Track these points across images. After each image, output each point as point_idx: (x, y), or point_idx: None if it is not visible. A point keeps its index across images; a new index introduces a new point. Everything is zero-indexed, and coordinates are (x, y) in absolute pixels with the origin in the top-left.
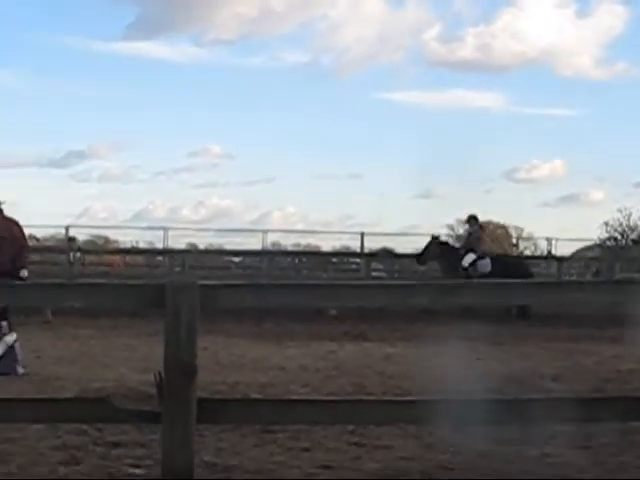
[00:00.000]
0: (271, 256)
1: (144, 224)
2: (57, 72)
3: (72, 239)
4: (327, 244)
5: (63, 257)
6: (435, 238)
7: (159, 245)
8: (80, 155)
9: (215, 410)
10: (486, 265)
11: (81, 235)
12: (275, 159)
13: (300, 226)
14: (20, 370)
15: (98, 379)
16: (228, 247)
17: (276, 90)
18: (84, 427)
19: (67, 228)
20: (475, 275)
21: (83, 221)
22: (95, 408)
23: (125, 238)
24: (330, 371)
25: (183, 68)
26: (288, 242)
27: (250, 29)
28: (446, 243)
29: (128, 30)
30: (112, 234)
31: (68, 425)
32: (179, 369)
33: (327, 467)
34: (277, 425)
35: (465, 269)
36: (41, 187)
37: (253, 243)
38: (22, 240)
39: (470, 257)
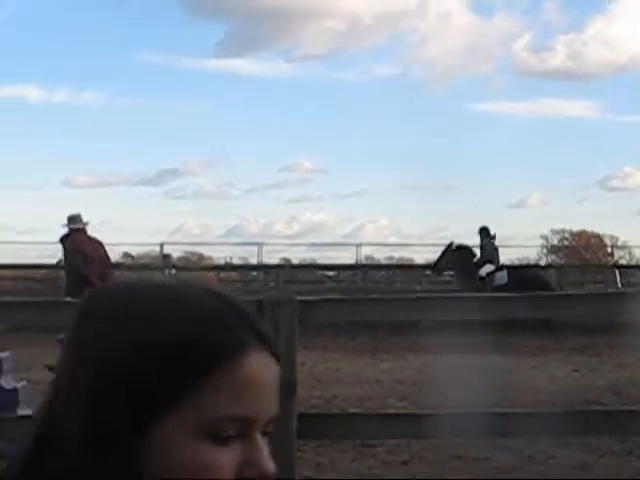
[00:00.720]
0: (365, 269)
1: (238, 240)
2: (148, 91)
3: (167, 256)
4: (420, 256)
5: (158, 274)
6: (450, 245)
7: (253, 261)
8: (173, 173)
9: (314, 425)
10: (503, 277)
11: (175, 252)
12: (367, 172)
13: (393, 239)
14: None
15: None
16: (321, 261)
17: (367, 103)
18: None
19: (162, 245)
20: (491, 286)
21: (177, 238)
22: None
23: (219, 254)
24: (426, 384)
25: (274, 84)
26: (381, 255)
27: (340, 43)
28: (464, 250)
29: (218, 47)
30: (206, 250)
31: None
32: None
33: None
34: (375, 439)
35: (482, 279)
36: (135, 205)
37: (346, 257)
38: (108, 260)
39: (488, 268)
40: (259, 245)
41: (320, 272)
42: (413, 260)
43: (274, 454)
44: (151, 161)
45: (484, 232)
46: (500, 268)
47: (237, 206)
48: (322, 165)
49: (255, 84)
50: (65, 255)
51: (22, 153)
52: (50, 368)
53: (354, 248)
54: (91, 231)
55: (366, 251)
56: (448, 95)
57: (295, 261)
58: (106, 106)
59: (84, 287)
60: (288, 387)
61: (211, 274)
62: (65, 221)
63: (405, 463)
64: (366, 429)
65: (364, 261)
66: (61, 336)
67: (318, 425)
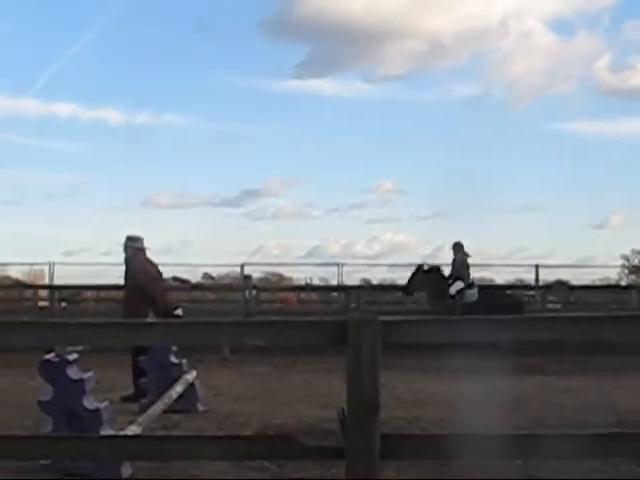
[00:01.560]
0: None
1: (318, 260)
2: (228, 113)
3: (247, 277)
4: (501, 277)
5: (239, 295)
6: (420, 267)
7: (333, 281)
8: (254, 194)
9: (398, 445)
10: (473, 295)
11: (255, 273)
12: (447, 192)
13: (474, 260)
14: (200, 407)
15: (277, 416)
16: (402, 282)
17: (447, 123)
18: (266, 464)
19: (242, 266)
20: (461, 304)
21: (257, 258)
22: (278, 444)
23: (299, 275)
24: (508, 405)
25: (354, 104)
26: None
27: (420, 63)
28: (432, 271)
29: (299, 68)
30: (286, 271)
31: (249, 462)
32: (362, 405)
33: None
34: (458, 459)
35: (452, 297)
36: (216, 226)
37: None
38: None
39: (458, 285)
40: (339, 265)
41: (400, 293)
42: (493, 280)
43: (356, 474)
44: (232, 182)
45: (457, 247)
46: (470, 285)
47: (317, 226)
48: (403, 186)
49: (335, 104)
50: (127, 274)
51: (103, 175)
52: (124, 399)
53: None
54: (172, 252)
55: (446, 272)
56: (529, 115)
57: (375, 282)
58: (187, 128)
59: (149, 306)
60: (371, 408)
61: (291, 295)
62: (125, 241)
63: None
64: (449, 450)
65: None
66: (142, 357)
67: (402, 445)
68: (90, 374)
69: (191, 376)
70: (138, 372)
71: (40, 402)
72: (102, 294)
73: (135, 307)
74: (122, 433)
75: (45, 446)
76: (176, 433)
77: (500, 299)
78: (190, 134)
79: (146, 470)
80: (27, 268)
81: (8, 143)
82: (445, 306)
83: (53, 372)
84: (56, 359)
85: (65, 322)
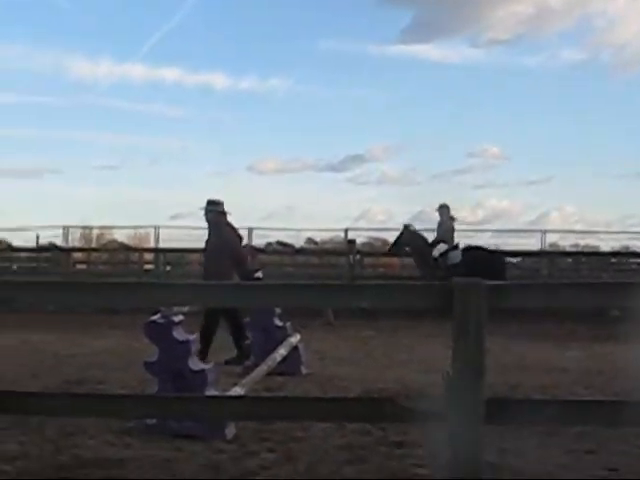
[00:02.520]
0: (550, 257)
1: (421, 226)
2: (333, 77)
3: (351, 242)
4: (606, 244)
5: (342, 260)
6: (407, 227)
7: None
8: (358, 159)
9: (501, 411)
10: (456, 256)
11: (359, 237)
12: (553, 158)
13: (579, 226)
14: (304, 370)
15: (380, 380)
16: (506, 248)
17: (553, 88)
18: (368, 427)
19: (346, 231)
20: (444, 266)
21: (361, 224)
22: (381, 407)
23: None
24: (614, 373)
25: (460, 69)
26: (566, 243)
27: (527, 28)
28: (418, 233)
29: (404, 33)
30: (390, 236)
31: (352, 425)
32: (467, 369)
33: (613, 470)
34: (561, 426)
35: (435, 259)
36: (320, 191)
37: (531, 244)
38: None
39: (441, 247)
40: None
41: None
42: (599, 248)
43: (459, 439)
44: (336, 147)
45: (443, 209)
46: (454, 247)
47: (421, 192)
48: (508, 151)
49: (441, 70)
50: (209, 238)
51: (208, 140)
52: (227, 362)
53: (539, 235)
54: (276, 217)
55: (551, 238)
56: (638, 80)
57: None
58: (291, 93)
59: (232, 269)
60: (476, 371)
61: (395, 260)
62: (206, 205)
63: (591, 452)
64: (552, 416)
65: (549, 248)
66: (247, 319)
67: (505, 411)
68: (195, 335)
69: (295, 339)
70: (239, 335)
71: (146, 363)
72: None
73: (219, 270)
74: (226, 394)
75: (151, 406)
76: (280, 394)
77: (484, 260)
78: (295, 99)
79: (250, 431)
80: (132, 231)
81: (115, 108)
82: (428, 266)
83: (159, 333)
84: (162, 320)
85: (171, 283)
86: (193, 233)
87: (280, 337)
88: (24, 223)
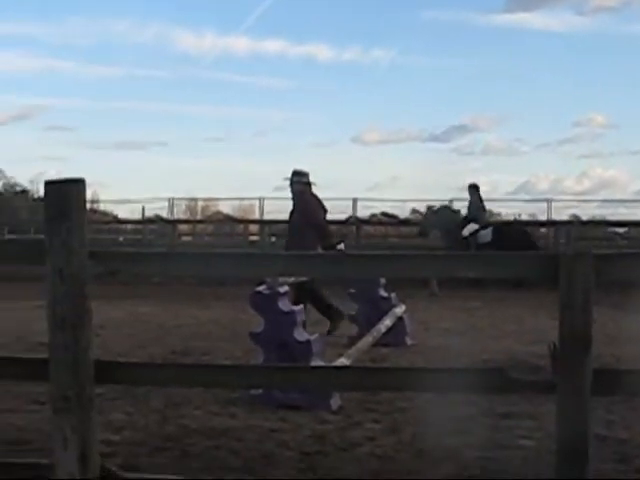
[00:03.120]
0: None
1: (527, 196)
2: (437, 48)
3: (457, 212)
4: None
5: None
6: (429, 208)
7: (542, 217)
8: (463, 129)
9: (609, 382)
10: (486, 235)
11: (464, 209)
12: None
13: None
14: (409, 341)
15: (487, 350)
16: (612, 218)
17: None
18: (474, 398)
19: (450, 201)
20: (475, 244)
21: (466, 194)
22: (488, 379)
23: (508, 210)
24: None
25: (565, 38)
26: None
27: None
28: (444, 210)
29: (509, 2)
30: (495, 207)
31: (457, 396)
32: (575, 339)
33: None
34: None
35: (465, 238)
36: (424, 162)
37: (639, 214)
38: None
39: (472, 227)
40: (548, 201)
41: (610, 229)
42: None
43: (567, 410)
44: (440, 117)
45: (472, 189)
46: (485, 226)
47: (527, 162)
48: (614, 120)
49: (546, 38)
50: (294, 208)
51: (312, 111)
52: (329, 332)
53: None
54: (381, 187)
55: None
56: None
57: (584, 217)
58: (395, 64)
59: (317, 240)
60: (583, 342)
61: None
62: (291, 176)
63: None
64: None
65: None
66: (352, 290)
67: (613, 382)
68: (300, 306)
69: (400, 310)
70: (321, 304)
71: (251, 334)
72: None
73: (303, 242)
74: (332, 365)
75: (256, 376)
76: (385, 365)
77: (514, 238)
78: (398, 69)
79: (355, 402)
80: (237, 203)
81: (219, 81)
82: (458, 245)
83: (264, 304)
84: (267, 291)
85: (276, 254)
86: None
87: (385, 308)
88: (130, 195)
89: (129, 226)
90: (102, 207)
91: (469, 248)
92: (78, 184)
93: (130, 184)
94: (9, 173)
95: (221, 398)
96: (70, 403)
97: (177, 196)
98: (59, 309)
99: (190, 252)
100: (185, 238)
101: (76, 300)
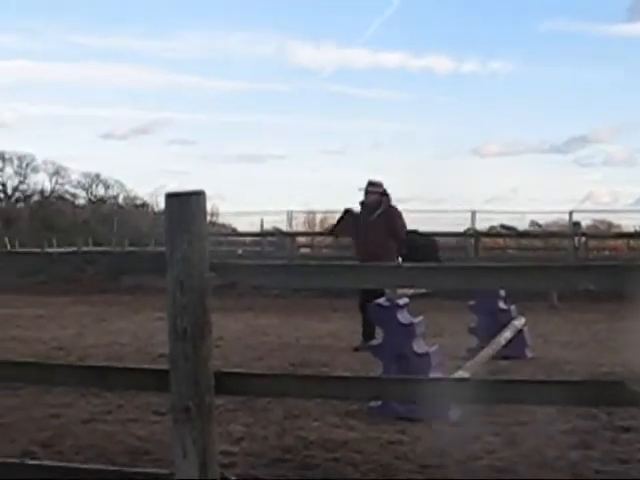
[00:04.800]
0: None
1: None
2: (556, 58)
3: (576, 224)
4: None
5: (566, 242)
6: (348, 211)
7: None
8: (582, 140)
9: None
10: None
11: (584, 220)
12: None
13: None
14: (529, 354)
15: (606, 363)
16: None
17: None
18: (593, 411)
19: (571, 213)
20: None
21: (586, 206)
22: (609, 392)
23: (628, 222)
24: None
25: None
26: None
27: None
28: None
29: (630, 12)
30: (615, 218)
31: (578, 409)
32: None
33: None
34: None
35: None
36: (544, 173)
37: None
38: None
39: None
40: None
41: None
42: None
43: None
44: (560, 128)
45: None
46: None
47: None
48: None
49: None
50: (382, 219)
51: (430, 124)
52: (356, 349)
53: None
54: (501, 199)
55: None
56: None
57: None
58: (513, 74)
59: (397, 252)
60: None
61: (620, 242)
62: (366, 186)
63: None
64: None
65: None
66: (471, 302)
67: None
68: (420, 318)
69: (520, 322)
70: (367, 320)
71: (370, 346)
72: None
73: (389, 253)
74: (451, 377)
75: (375, 388)
76: (504, 378)
77: (416, 247)
78: (517, 80)
79: (474, 414)
80: None
81: (337, 93)
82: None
83: (384, 316)
84: (387, 303)
85: (397, 265)
86: (417, 216)
87: (504, 320)
88: (248, 208)
89: (248, 238)
90: (221, 220)
91: None
92: (199, 196)
93: (249, 196)
94: (129, 186)
95: (340, 410)
96: (191, 414)
97: (295, 208)
98: (180, 321)
99: (311, 264)
100: (303, 250)
101: (196, 312)
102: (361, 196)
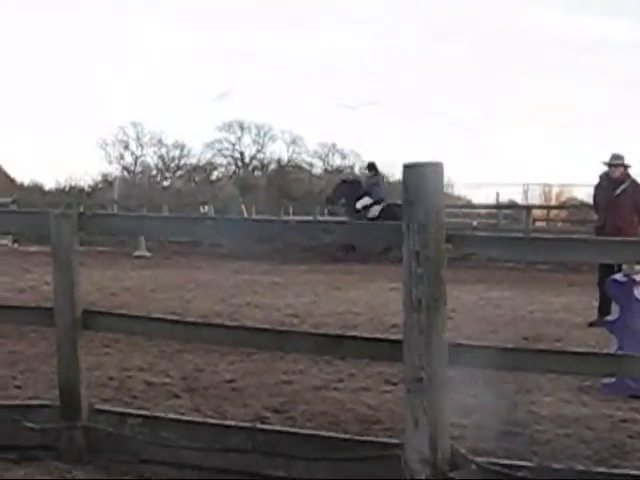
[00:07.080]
0: None
1: None
2: None
3: None
4: None
5: None
6: (344, 181)
7: None
8: None
9: None
10: (375, 211)
11: None
12: None
13: None
14: None
15: None
16: None
17: None
18: None
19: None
20: (364, 218)
21: None
22: None
23: None
24: None
25: None
26: None
27: None
28: (349, 183)
29: None
30: None
31: None
32: None
33: None
34: None
35: (358, 211)
36: None
37: None
38: None
39: (365, 200)
40: None
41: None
42: None
43: None
44: None
45: (371, 167)
46: (377, 202)
47: None
48: None
49: None
50: (625, 194)
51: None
52: (591, 325)
53: None
54: None
55: None
56: None
57: None
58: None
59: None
60: None
61: None
62: (611, 159)
63: None
64: None
65: None
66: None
67: None
68: None
69: None
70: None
71: (606, 321)
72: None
73: (633, 228)
74: None
75: (609, 365)
76: None
77: (397, 218)
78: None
79: None
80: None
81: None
82: (352, 218)
83: (620, 292)
84: (624, 279)
85: (634, 240)
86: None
87: None
88: (485, 179)
89: (483, 211)
90: (456, 192)
91: (362, 220)
92: (436, 167)
93: (485, 168)
94: (364, 157)
95: (572, 385)
96: (423, 384)
97: (532, 182)
98: (415, 291)
99: (542, 237)
100: (539, 224)
101: (432, 282)
102: (602, 169)
